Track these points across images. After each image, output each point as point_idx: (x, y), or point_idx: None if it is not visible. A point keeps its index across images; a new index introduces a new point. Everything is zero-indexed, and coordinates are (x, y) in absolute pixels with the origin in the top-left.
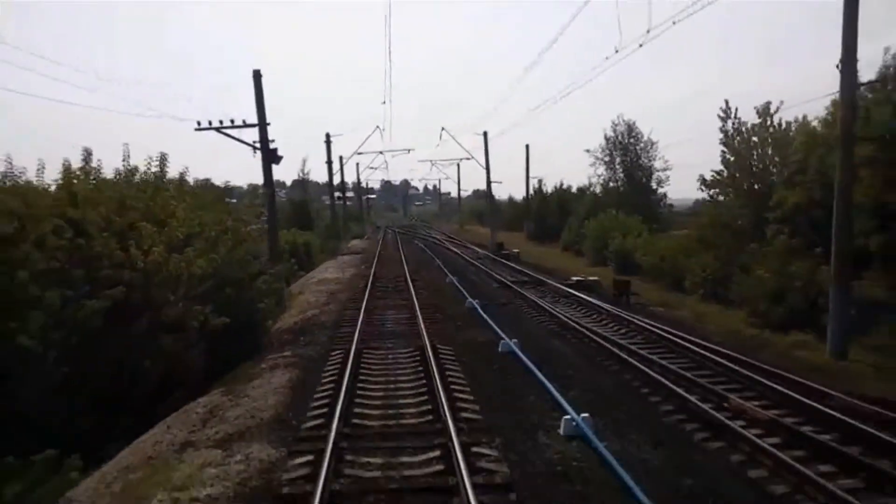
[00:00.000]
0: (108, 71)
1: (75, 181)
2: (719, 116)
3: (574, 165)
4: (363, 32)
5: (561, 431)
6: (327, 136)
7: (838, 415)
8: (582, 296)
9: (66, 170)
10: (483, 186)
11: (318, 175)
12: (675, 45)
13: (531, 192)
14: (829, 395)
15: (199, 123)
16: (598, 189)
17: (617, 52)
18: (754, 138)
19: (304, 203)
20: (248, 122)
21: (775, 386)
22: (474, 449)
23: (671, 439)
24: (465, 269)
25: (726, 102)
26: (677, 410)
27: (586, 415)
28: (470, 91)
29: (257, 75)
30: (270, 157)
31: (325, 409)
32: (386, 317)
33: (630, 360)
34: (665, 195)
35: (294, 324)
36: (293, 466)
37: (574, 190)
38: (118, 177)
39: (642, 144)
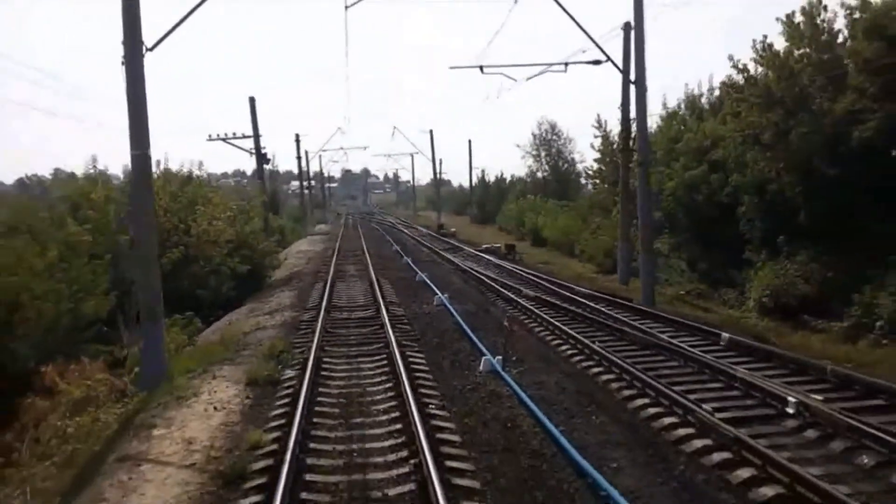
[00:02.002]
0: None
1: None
2: (593, 126)
3: (517, 157)
4: (325, 26)
5: (434, 303)
6: (297, 136)
7: (574, 295)
8: (483, 255)
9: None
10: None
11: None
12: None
13: (475, 181)
14: (580, 290)
15: (210, 136)
16: (526, 178)
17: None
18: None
19: (273, 193)
20: (239, 132)
21: (559, 290)
22: (390, 308)
23: (483, 304)
24: (409, 242)
25: (598, 115)
26: (495, 295)
27: (447, 296)
28: (425, 85)
29: (252, 100)
30: (262, 159)
31: (316, 302)
32: (348, 270)
33: (486, 280)
34: (587, 183)
35: (286, 275)
36: (304, 319)
37: (511, 179)
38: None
39: (563, 140)
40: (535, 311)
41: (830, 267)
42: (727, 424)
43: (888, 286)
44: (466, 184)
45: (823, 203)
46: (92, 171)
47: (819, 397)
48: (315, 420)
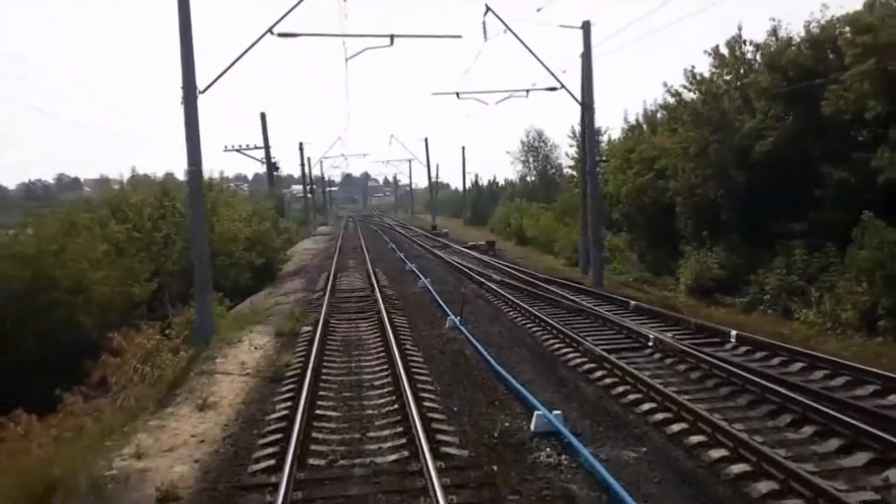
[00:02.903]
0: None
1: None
2: (568, 136)
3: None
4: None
5: (419, 286)
6: (300, 144)
7: (534, 280)
8: (467, 251)
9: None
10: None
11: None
12: None
13: (469, 185)
14: (541, 276)
15: (225, 147)
16: (516, 182)
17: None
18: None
19: (280, 197)
20: (242, 136)
21: (523, 277)
22: (383, 290)
23: (458, 286)
24: (404, 241)
25: (572, 128)
26: (469, 280)
27: (429, 280)
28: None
29: (263, 116)
30: (272, 168)
31: (322, 286)
32: (348, 263)
33: (465, 270)
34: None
35: (294, 268)
36: (314, 297)
37: (502, 183)
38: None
39: (549, 147)
40: (497, 290)
41: (739, 255)
42: (601, 351)
43: (775, 269)
44: (459, 188)
45: (735, 204)
46: (125, 178)
47: (670, 335)
48: (326, 352)
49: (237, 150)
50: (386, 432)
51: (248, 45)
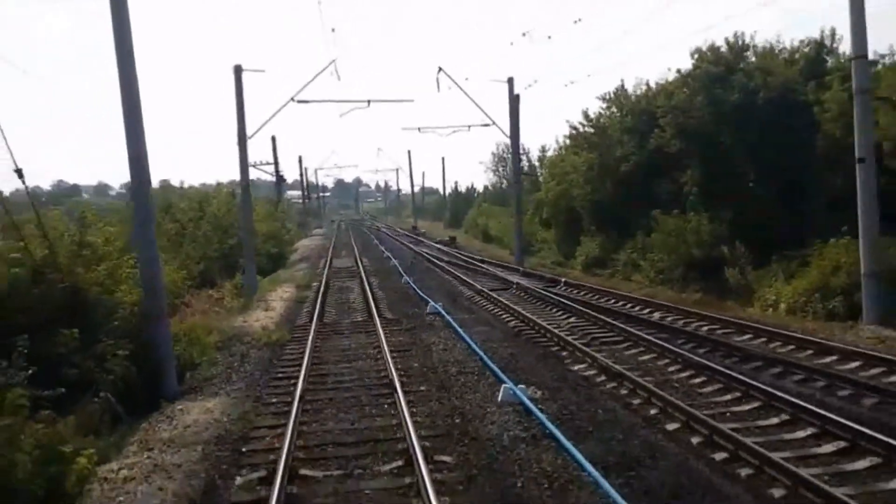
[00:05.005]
0: None
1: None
2: (521, 153)
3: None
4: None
5: (390, 264)
6: (300, 157)
7: (472, 261)
8: (436, 245)
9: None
10: (426, 184)
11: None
12: None
13: (450, 191)
14: (479, 259)
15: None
16: (489, 188)
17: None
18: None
19: (278, 203)
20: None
21: (468, 260)
22: (365, 267)
23: (417, 264)
24: (387, 239)
25: (523, 145)
26: (427, 262)
27: (398, 261)
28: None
29: (273, 139)
30: (280, 180)
31: (322, 266)
32: (341, 253)
33: (427, 255)
34: None
35: (299, 257)
36: (317, 272)
37: (480, 190)
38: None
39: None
40: (443, 266)
41: (610, 242)
42: (485, 289)
43: (627, 249)
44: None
45: (609, 206)
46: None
47: (527, 282)
48: (327, 294)
49: (252, 166)
50: (359, 317)
51: (276, 110)
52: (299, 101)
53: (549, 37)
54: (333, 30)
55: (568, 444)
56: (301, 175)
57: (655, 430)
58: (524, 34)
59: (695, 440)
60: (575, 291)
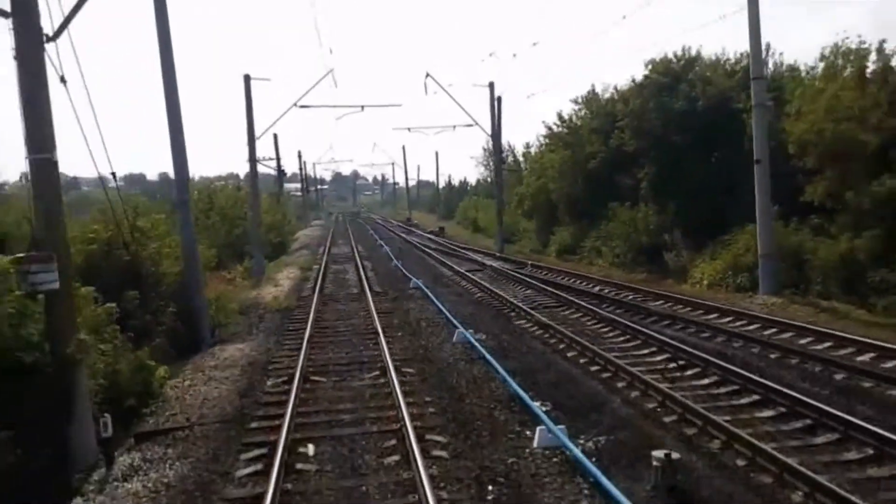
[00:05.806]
0: None
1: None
2: (506, 150)
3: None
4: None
5: (382, 251)
6: (299, 152)
7: (456, 247)
8: (425, 234)
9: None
10: (423, 178)
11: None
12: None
13: (444, 184)
14: (463, 246)
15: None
16: (481, 181)
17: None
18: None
19: (278, 195)
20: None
21: (453, 246)
22: (360, 253)
23: (408, 250)
24: (382, 230)
25: (508, 142)
26: (415, 248)
27: (389, 248)
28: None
29: (276, 137)
30: (282, 174)
31: (322, 253)
32: (339, 241)
33: (416, 243)
34: None
35: (300, 246)
36: (317, 257)
37: (473, 183)
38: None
39: (506, 153)
40: (430, 252)
41: (582, 231)
42: (464, 271)
43: (591, 238)
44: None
45: (580, 199)
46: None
47: (499, 265)
48: (327, 274)
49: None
50: (353, 289)
51: (279, 114)
52: (301, 106)
53: (514, 55)
54: (332, 51)
55: (492, 360)
56: (300, 169)
57: (557, 355)
58: (490, 54)
59: (582, 360)
60: (539, 272)
